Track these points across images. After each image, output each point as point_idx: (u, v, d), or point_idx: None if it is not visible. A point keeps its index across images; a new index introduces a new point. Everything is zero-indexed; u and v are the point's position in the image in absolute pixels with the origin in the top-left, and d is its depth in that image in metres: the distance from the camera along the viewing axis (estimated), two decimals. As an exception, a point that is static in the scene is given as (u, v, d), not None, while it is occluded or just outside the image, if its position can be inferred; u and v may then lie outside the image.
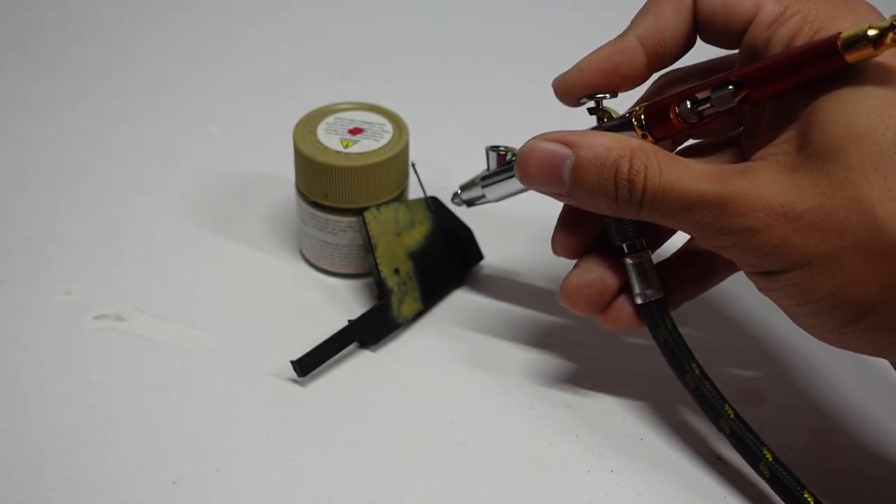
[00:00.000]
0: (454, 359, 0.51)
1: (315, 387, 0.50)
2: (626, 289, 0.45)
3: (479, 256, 0.56)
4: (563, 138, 0.42)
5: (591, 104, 0.45)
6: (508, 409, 0.49)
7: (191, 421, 0.48)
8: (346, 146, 0.53)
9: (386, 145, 0.53)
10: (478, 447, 0.47)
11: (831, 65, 0.37)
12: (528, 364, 0.51)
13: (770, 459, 0.43)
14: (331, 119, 0.55)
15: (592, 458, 0.47)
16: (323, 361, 0.50)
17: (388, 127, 0.54)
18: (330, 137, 0.54)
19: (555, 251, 0.46)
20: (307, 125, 0.54)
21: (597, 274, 0.45)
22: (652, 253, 0.46)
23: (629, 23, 0.44)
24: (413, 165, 0.55)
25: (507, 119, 0.69)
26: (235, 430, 0.47)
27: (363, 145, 0.53)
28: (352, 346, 0.51)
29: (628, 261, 0.45)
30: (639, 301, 0.45)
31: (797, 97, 0.39)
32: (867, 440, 0.47)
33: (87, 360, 0.50)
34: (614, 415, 0.49)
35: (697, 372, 0.44)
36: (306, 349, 0.49)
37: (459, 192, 0.52)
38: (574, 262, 0.46)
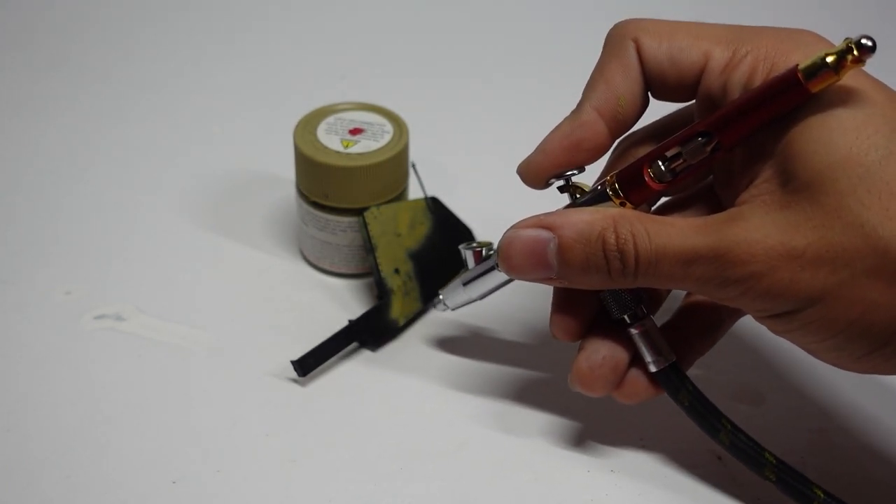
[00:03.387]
0: (454, 359, 0.51)
1: (315, 387, 0.50)
2: (636, 359, 0.44)
3: (479, 256, 0.56)
4: (540, 222, 0.41)
5: (561, 183, 0.44)
6: (508, 409, 0.49)
7: (191, 421, 0.48)
8: (347, 146, 0.53)
9: (386, 145, 0.53)
10: (478, 447, 0.47)
11: (795, 97, 0.37)
12: (529, 364, 0.51)
13: (822, 497, 0.42)
14: (331, 119, 0.55)
15: (592, 458, 0.47)
16: (323, 361, 0.50)
17: (388, 127, 0.54)
18: (330, 137, 0.54)
19: (555, 336, 0.45)
20: (307, 125, 0.54)
21: (605, 352, 0.43)
22: (653, 315, 0.44)
23: (581, 95, 0.43)
24: (413, 165, 0.56)
25: (507, 119, 0.69)
26: (235, 430, 0.47)
27: (363, 145, 0.53)
28: (352, 346, 0.51)
29: (633, 331, 0.43)
30: (652, 369, 0.43)
31: (766, 136, 0.38)
32: (867, 440, 0.47)
33: (87, 360, 0.50)
34: (614, 415, 0.48)
35: (730, 427, 0.43)
36: (306, 349, 0.49)
37: (441, 298, 0.50)
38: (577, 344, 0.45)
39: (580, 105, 0.43)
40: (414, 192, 0.56)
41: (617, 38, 0.42)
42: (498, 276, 0.46)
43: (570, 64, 0.72)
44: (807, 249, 0.36)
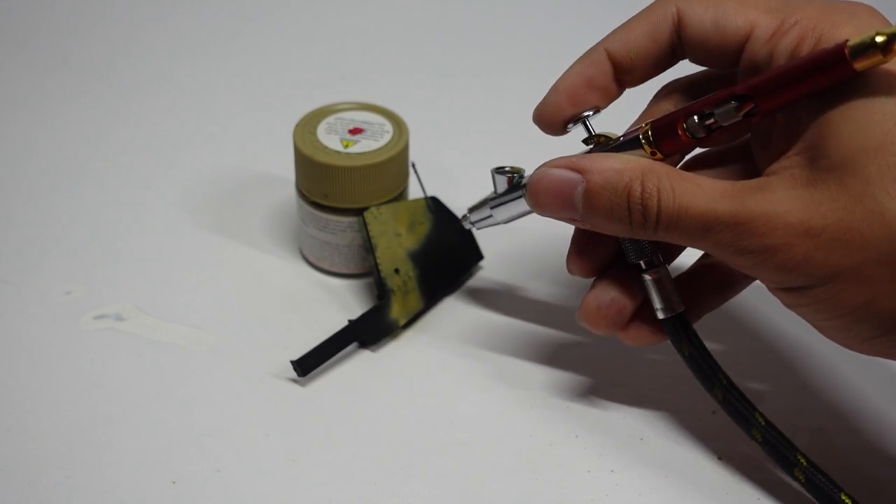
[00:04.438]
0: (454, 359, 0.51)
1: (315, 387, 0.50)
2: (645, 305, 0.45)
3: (479, 256, 0.56)
4: (572, 164, 0.42)
5: (584, 134, 0.44)
6: (508, 408, 0.49)
7: (191, 421, 0.48)
8: (346, 146, 0.53)
9: (386, 145, 0.53)
10: (478, 447, 0.47)
11: (839, 73, 0.36)
12: (528, 364, 0.51)
13: (805, 464, 0.42)
14: (331, 119, 0.55)
15: (592, 458, 0.47)
16: (323, 361, 0.50)
17: (388, 127, 0.54)
18: (330, 137, 0.54)
19: (570, 271, 0.46)
20: (307, 125, 0.54)
21: (615, 293, 0.45)
22: (669, 265, 0.45)
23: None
24: (413, 165, 0.56)
25: (507, 119, 0.69)
26: (235, 430, 0.47)
27: (363, 145, 0.53)
28: (352, 346, 0.51)
29: (647, 277, 0.44)
30: (660, 316, 0.44)
31: (806, 108, 0.38)
32: (868, 439, 0.47)
33: (87, 360, 0.50)
34: (614, 415, 0.48)
35: (725, 382, 0.44)
36: (306, 349, 0.49)
37: (468, 213, 0.51)
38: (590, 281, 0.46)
39: (596, 45, 0.44)
40: (414, 192, 0.56)
41: (659, 2, 0.43)
42: (524, 205, 0.47)
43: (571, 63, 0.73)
44: (825, 230, 0.37)
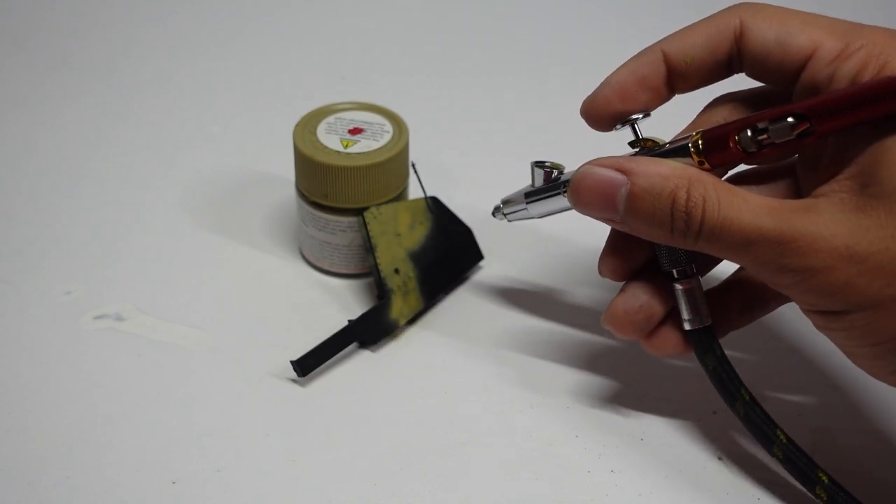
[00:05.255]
0: (454, 358, 0.51)
1: (315, 387, 0.50)
2: (672, 313, 0.45)
3: (479, 256, 0.56)
4: (618, 165, 0.41)
5: (631, 136, 0.44)
6: (508, 409, 0.49)
7: (191, 421, 0.48)
8: (346, 146, 0.53)
9: (386, 145, 0.53)
10: (478, 447, 0.47)
11: None
12: (528, 364, 0.51)
13: (826, 482, 0.42)
14: (331, 119, 0.55)
15: (592, 458, 0.47)
16: (323, 361, 0.50)
17: (388, 127, 0.54)
18: (330, 137, 0.54)
19: (601, 273, 0.45)
20: (307, 125, 0.54)
21: (644, 299, 0.44)
22: (701, 277, 0.45)
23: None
24: (413, 165, 0.56)
25: (507, 119, 0.69)
26: (235, 430, 0.47)
27: (363, 145, 0.53)
28: (352, 346, 0.51)
29: (678, 287, 0.44)
30: (687, 327, 0.44)
31: (861, 133, 0.38)
32: (869, 439, 0.47)
33: (87, 360, 0.50)
34: (614, 415, 0.48)
35: (748, 399, 0.43)
36: (306, 349, 0.49)
37: (501, 206, 0.51)
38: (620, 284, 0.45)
39: (653, 46, 0.43)
40: (414, 192, 0.56)
41: (723, 12, 0.42)
42: (561, 202, 0.46)
43: (571, 64, 0.73)
44: (870, 257, 0.36)
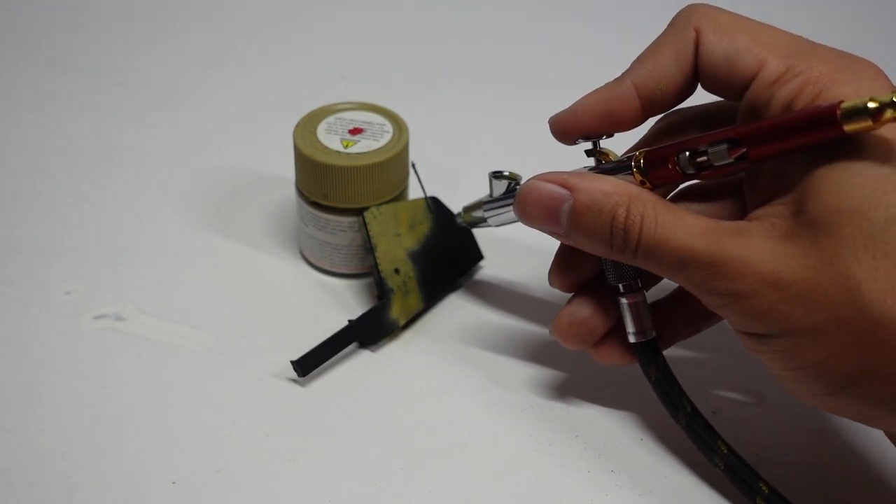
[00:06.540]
0: (454, 359, 0.51)
1: (315, 387, 0.50)
2: (618, 326, 0.46)
3: (479, 256, 0.56)
4: (562, 181, 0.42)
5: (588, 146, 0.45)
6: (508, 409, 0.49)
7: (190, 421, 0.48)
8: (346, 146, 0.53)
9: (386, 145, 0.53)
10: (478, 447, 0.47)
11: (828, 133, 0.36)
12: (528, 364, 0.51)
13: (766, 492, 0.43)
14: (331, 119, 0.55)
15: (592, 458, 0.47)
16: (323, 361, 0.50)
17: (388, 127, 0.54)
18: (330, 137, 0.54)
19: (551, 284, 0.47)
20: (307, 125, 0.54)
21: (588, 312, 0.45)
22: (647, 291, 0.45)
23: (629, 65, 0.43)
24: (413, 165, 0.56)
25: (507, 119, 0.69)
26: (235, 430, 0.47)
27: (363, 145, 0.53)
28: (352, 346, 0.51)
29: (623, 301, 0.45)
30: (632, 340, 0.45)
31: (796, 160, 0.38)
32: (867, 440, 0.47)
33: (87, 360, 0.50)
34: (614, 415, 0.49)
35: (689, 410, 0.44)
36: (306, 349, 0.49)
37: (462, 212, 0.52)
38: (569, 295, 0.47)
39: (623, 76, 0.43)
40: (414, 192, 0.56)
41: (680, 23, 0.42)
42: (513, 214, 0.47)
43: (570, 64, 0.73)
44: (792, 285, 0.37)
